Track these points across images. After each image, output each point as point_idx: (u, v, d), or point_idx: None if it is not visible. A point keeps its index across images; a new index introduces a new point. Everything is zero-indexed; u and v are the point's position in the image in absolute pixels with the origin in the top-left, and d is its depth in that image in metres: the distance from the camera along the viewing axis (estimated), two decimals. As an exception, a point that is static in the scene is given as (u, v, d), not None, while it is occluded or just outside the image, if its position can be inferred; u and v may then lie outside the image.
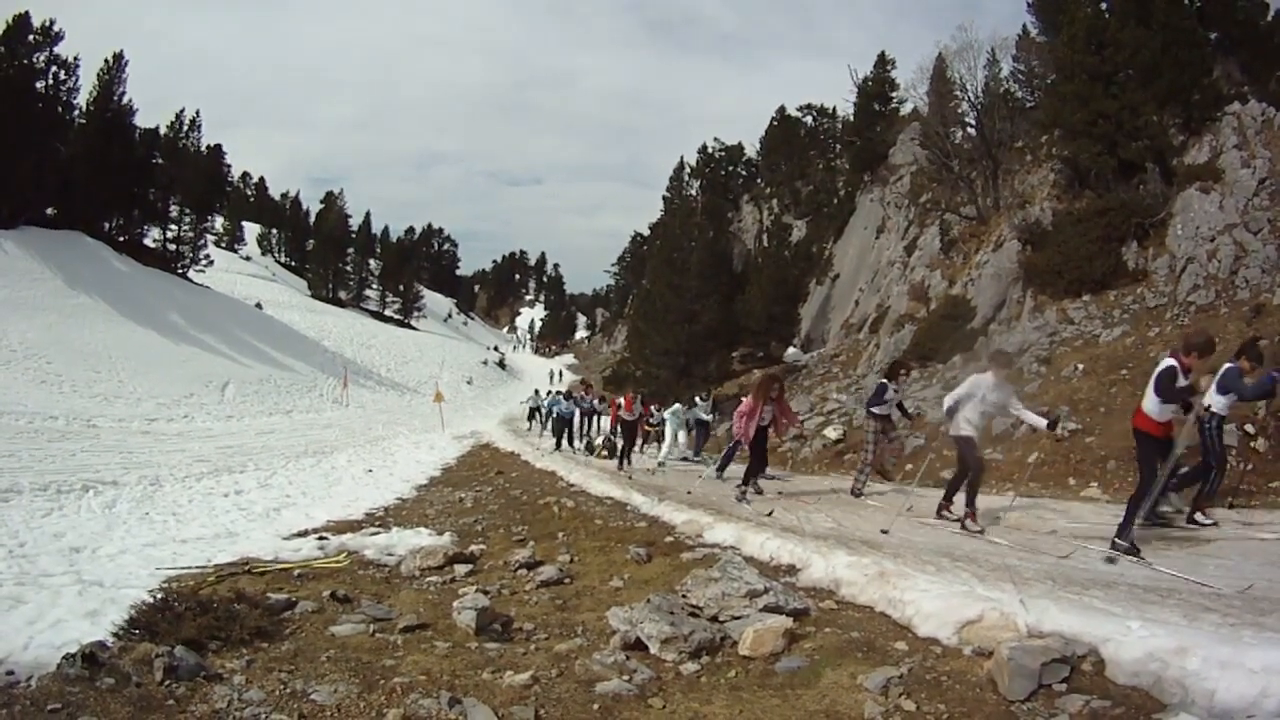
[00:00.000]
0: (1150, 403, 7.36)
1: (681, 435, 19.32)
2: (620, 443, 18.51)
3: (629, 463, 17.32)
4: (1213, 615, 4.70)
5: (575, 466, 17.54)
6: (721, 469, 14.86)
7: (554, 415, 24.57)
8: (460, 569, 8.20)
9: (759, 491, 12.10)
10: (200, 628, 5.25)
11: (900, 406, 12.77)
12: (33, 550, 9.04)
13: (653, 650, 5.09)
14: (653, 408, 21.60)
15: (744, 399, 12.39)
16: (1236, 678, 3.61)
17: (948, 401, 9.23)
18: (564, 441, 23.10)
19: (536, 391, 36.91)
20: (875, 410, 11.83)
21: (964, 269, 25.56)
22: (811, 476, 16.19)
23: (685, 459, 19.18)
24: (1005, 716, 3.80)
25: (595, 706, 4.30)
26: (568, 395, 25.73)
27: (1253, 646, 3.84)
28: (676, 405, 19.77)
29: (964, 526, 8.75)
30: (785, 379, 16.21)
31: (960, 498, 9.18)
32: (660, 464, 17.46)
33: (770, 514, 10.05)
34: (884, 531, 8.55)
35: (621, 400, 19.47)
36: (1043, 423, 8.88)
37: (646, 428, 20.70)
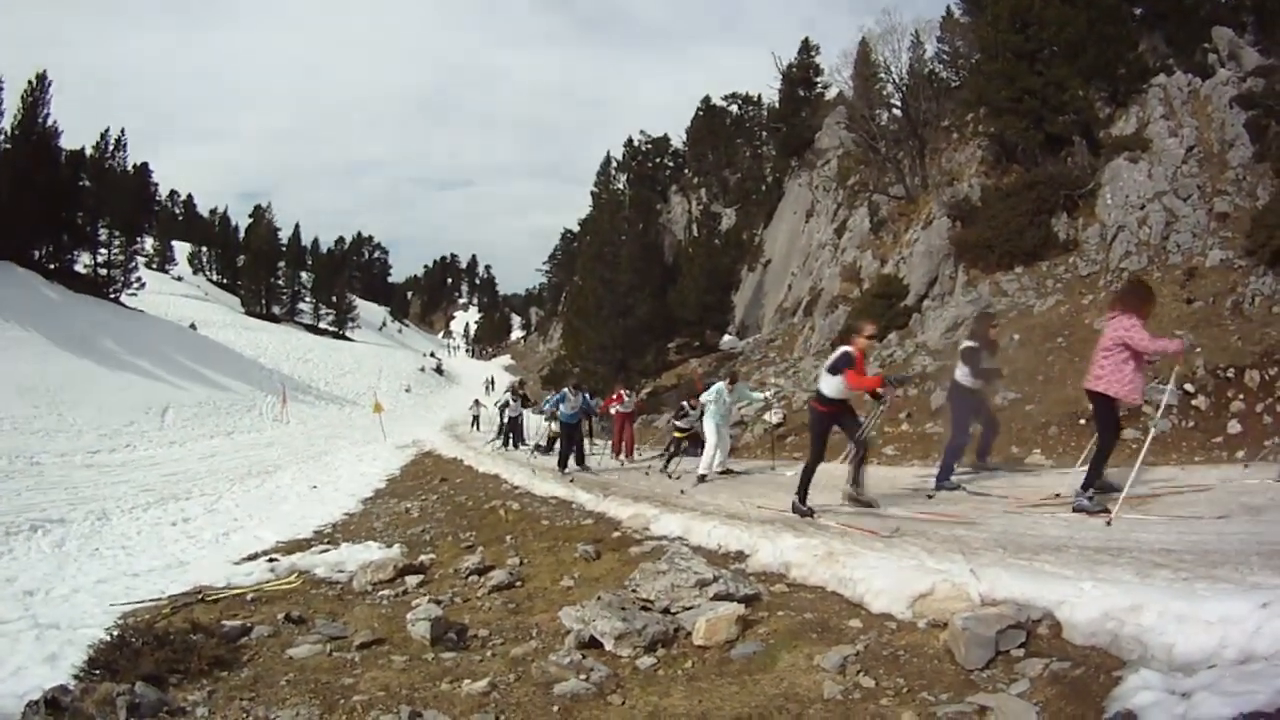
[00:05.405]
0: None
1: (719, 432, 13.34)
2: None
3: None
4: (1165, 571, 4.74)
5: (519, 469, 17.21)
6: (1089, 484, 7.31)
7: (558, 421, 16.85)
8: (411, 580, 8.22)
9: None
10: (159, 662, 5.26)
11: None
12: (-14, 598, 8.86)
13: (608, 647, 5.07)
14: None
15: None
16: (1194, 630, 3.63)
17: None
18: (572, 458, 16.21)
19: (476, 401, 36.41)
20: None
21: (895, 248, 25.82)
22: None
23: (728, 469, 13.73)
24: (965, 685, 3.79)
25: (555, 708, 4.28)
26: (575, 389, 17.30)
27: (1207, 599, 3.88)
28: (719, 385, 13.55)
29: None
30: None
31: None
32: (702, 477, 12.78)
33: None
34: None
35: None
36: None
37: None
